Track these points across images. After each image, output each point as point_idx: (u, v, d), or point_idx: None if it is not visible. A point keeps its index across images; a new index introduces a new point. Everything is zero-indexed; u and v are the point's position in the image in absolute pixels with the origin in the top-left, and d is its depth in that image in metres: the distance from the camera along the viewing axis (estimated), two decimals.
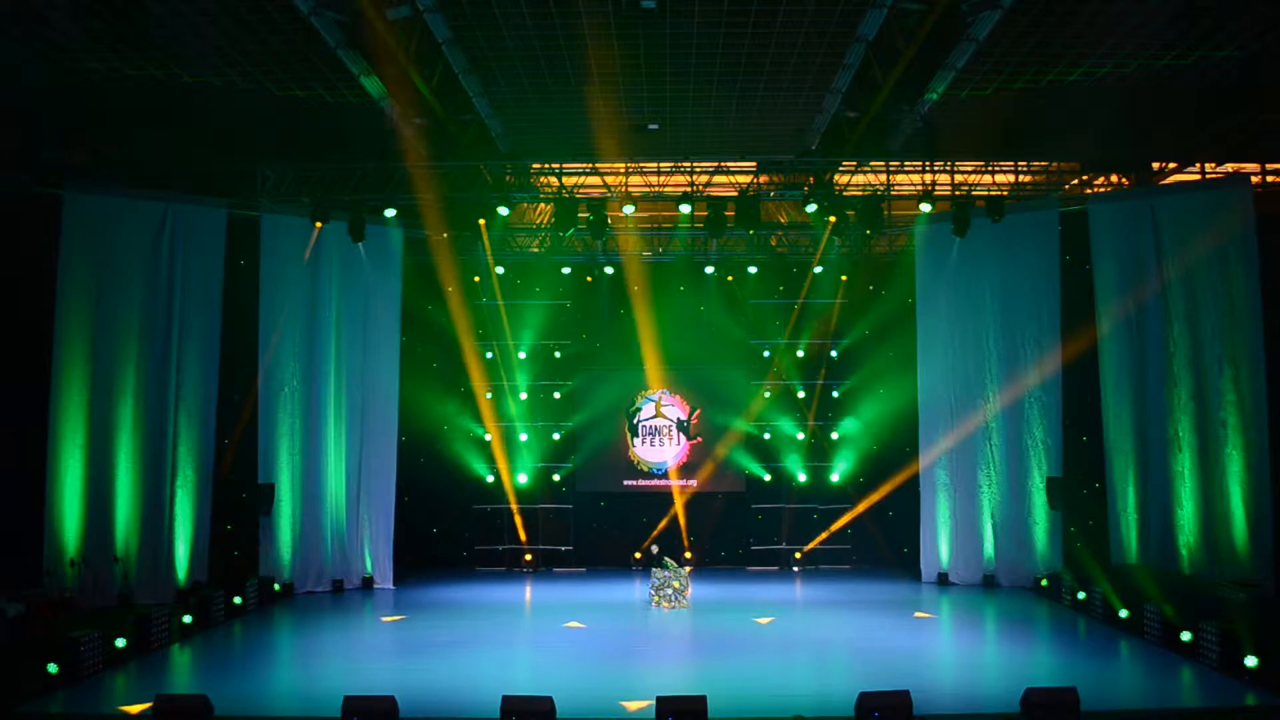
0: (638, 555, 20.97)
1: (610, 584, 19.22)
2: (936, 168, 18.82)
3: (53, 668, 11.54)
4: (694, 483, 21.50)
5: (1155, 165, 18.92)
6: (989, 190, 19.24)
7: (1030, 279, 18.29)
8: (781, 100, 16.14)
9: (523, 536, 21.24)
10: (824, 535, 21.25)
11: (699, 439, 21.61)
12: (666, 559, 17.05)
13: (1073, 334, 17.96)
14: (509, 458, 21.32)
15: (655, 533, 21.18)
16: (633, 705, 10.57)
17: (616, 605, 16.92)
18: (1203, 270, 16.75)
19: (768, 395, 21.59)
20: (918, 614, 16.21)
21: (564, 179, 18.81)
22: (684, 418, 21.67)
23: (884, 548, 21.05)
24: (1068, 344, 17.99)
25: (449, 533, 21.42)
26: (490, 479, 21.31)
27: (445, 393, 21.02)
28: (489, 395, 21.50)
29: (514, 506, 21.18)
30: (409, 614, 16.28)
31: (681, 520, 21.25)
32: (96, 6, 13.05)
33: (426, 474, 20.73)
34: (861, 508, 20.99)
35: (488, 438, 21.38)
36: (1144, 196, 17.81)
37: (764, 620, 15.43)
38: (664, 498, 21.39)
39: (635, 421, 21.66)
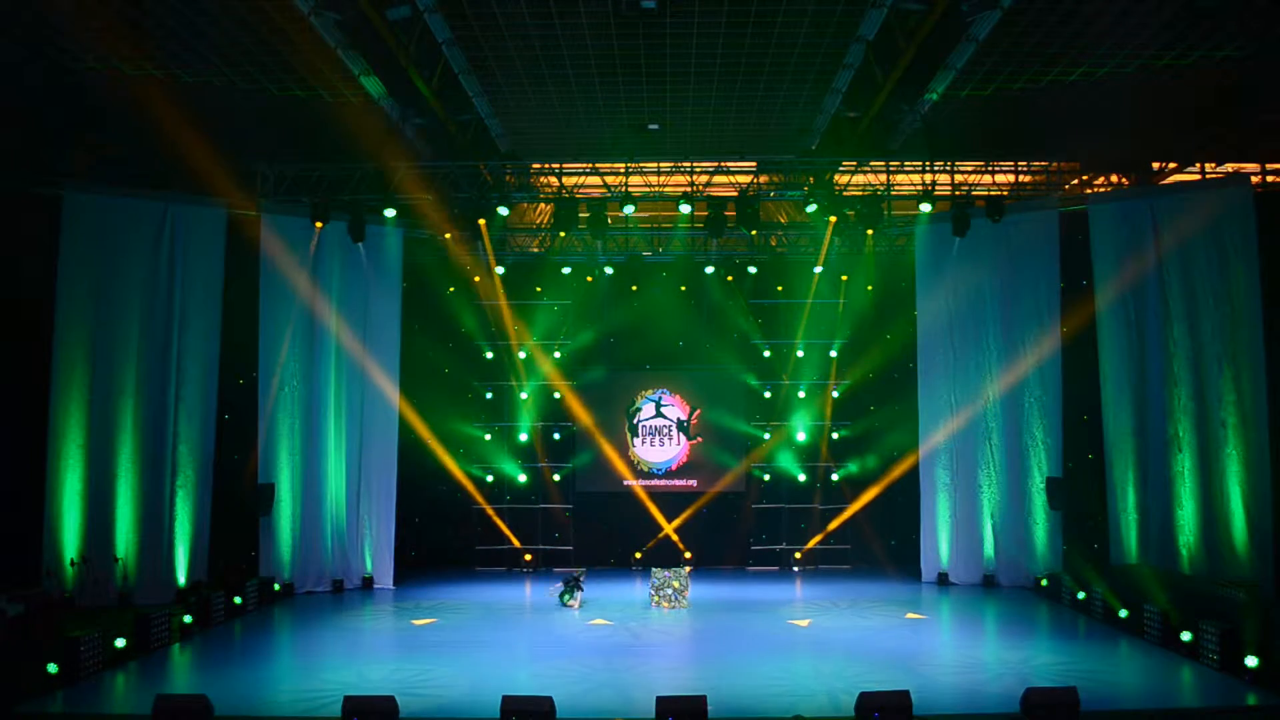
0: (638, 555, 20.98)
1: (610, 584, 19.19)
2: (936, 168, 18.84)
3: (53, 668, 11.54)
4: (694, 483, 21.50)
5: (1155, 165, 18.92)
6: (989, 190, 19.27)
7: (1030, 279, 18.30)
8: (781, 100, 16.14)
9: (510, 536, 21.19)
10: (823, 535, 21.26)
11: (699, 439, 21.60)
12: (576, 589, 16.71)
13: (1072, 334, 17.96)
14: (508, 458, 21.32)
15: (660, 536, 21.18)
16: None
17: (616, 605, 16.90)
18: (1203, 270, 16.75)
19: (768, 395, 21.60)
20: (910, 614, 16.14)
21: (564, 179, 18.83)
22: (684, 418, 21.66)
23: (883, 548, 21.05)
24: (1068, 344, 17.99)
25: (449, 532, 21.41)
26: (490, 479, 21.34)
27: (445, 393, 21.01)
28: (489, 395, 21.54)
29: (488, 509, 21.16)
30: (411, 614, 16.27)
31: (681, 520, 21.25)
32: (96, 6, 13.06)
33: (426, 474, 20.71)
34: (859, 506, 20.98)
35: (487, 438, 21.41)
36: (1144, 196, 17.80)
37: (803, 623, 15.31)
38: (664, 498, 21.40)
39: (635, 421, 21.66)
